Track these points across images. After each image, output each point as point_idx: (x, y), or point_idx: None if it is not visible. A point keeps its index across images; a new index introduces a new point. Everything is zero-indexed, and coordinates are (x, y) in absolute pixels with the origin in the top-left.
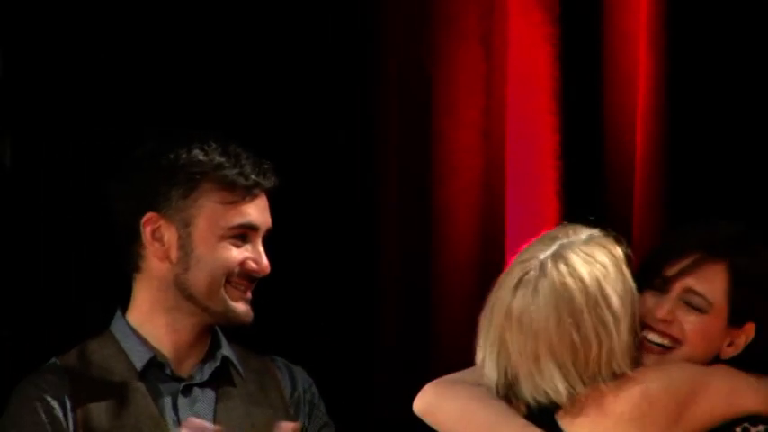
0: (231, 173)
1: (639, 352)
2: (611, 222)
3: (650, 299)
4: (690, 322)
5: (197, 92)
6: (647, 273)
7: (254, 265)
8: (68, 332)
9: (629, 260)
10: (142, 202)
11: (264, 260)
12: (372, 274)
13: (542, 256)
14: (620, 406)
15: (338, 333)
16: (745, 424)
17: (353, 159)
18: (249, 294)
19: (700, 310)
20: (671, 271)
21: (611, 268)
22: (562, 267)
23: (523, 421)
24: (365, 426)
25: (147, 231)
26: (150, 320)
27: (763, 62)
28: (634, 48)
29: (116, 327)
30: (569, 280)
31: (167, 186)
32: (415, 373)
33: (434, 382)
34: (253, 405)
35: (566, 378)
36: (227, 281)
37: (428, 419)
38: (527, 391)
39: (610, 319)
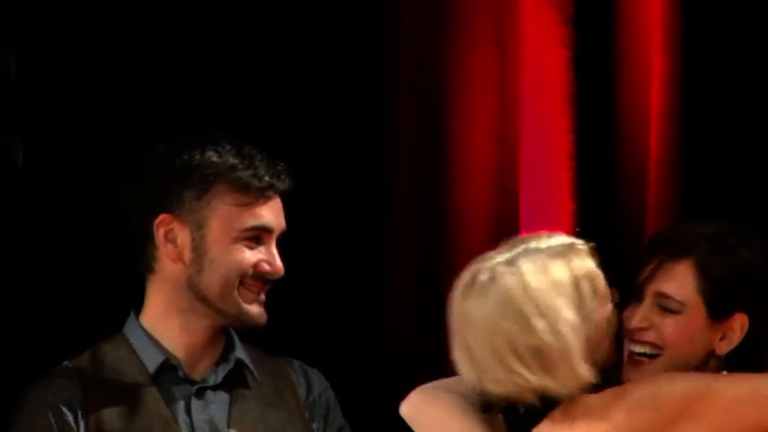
0: (245, 174)
1: (628, 366)
2: (625, 223)
3: (629, 310)
4: (667, 326)
5: (211, 94)
6: (629, 285)
7: (267, 267)
8: (81, 334)
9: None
10: (155, 204)
11: (278, 262)
12: (386, 276)
13: (497, 260)
14: (601, 421)
15: (352, 336)
16: None
17: (367, 162)
18: (263, 296)
19: (674, 311)
20: (641, 278)
21: (565, 281)
22: (510, 275)
23: None
24: (381, 428)
25: (160, 233)
26: (163, 322)
27: None
28: (647, 48)
29: (129, 329)
30: (516, 288)
31: (180, 188)
32: (431, 377)
33: (421, 387)
34: (267, 407)
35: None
36: (241, 283)
37: (411, 424)
38: (494, 396)
39: (560, 329)
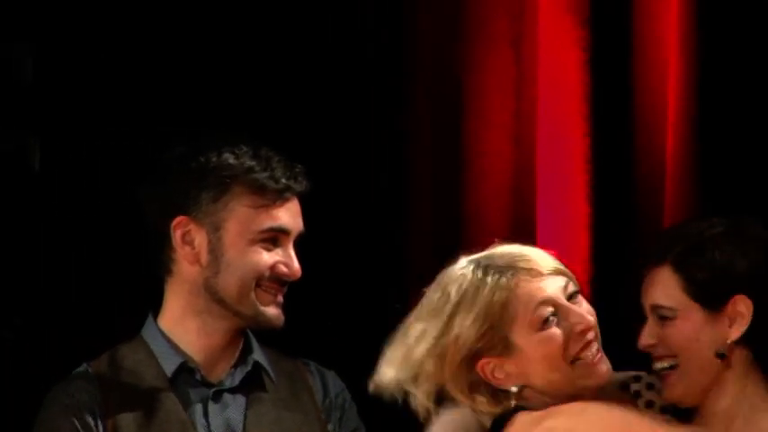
0: (262, 176)
1: (660, 384)
2: (642, 226)
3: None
4: (669, 335)
5: (228, 96)
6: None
7: (284, 269)
8: (98, 336)
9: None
10: (172, 206)
11: (295, 264)
12: (404, 277)
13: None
14: None
15: (370, 337)
16: None
17: (384, 163)
18: (280, 298)
19: (669, 318)
20: (641, 296)
21: (470, 292)
22: (440, 277)
23: None
24: (396, 430)
25: (177, 235)
26: (181, 325)
27: None
28: (664, 51)
29: (147, 331)
30: (434, 289)
31: (197, 190)
32: None
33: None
34: (284, 410)
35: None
36: (258, 285)
37: None
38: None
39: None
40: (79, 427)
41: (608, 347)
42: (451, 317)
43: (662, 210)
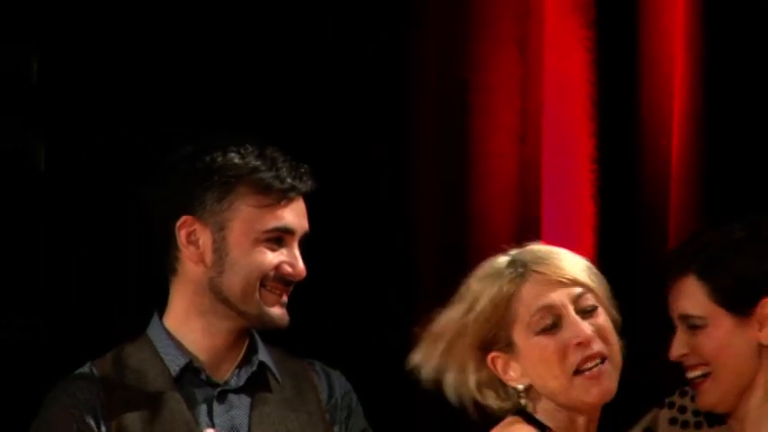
0: (267, 176)
1: (694, 392)
2: (647, 225)
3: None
4: (700, 344)
5: (235, 96)
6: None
7: (289, 269)
8: (103, 335)
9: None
10: (177, 206)
11: (300, 264)
12: (409, 278)
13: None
14: None
15: (376, 337)
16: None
17: (390, 163)
18: (285, 298)
19: (699, 327)
20: (669, 307)
21: (489, 281)
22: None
23: None
24: (403, 430)
25: (181, 235)
26: (186, 324)
27: None
28: (670, 51)
29: (152, 331)
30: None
31: (202, 189)
32: None
33: None
34: (289, 411)
35: None
36: (263, 285)
37: None
38: None
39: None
40: (76, 427)
41: None
42: (473, 301)
43: (667, 210)
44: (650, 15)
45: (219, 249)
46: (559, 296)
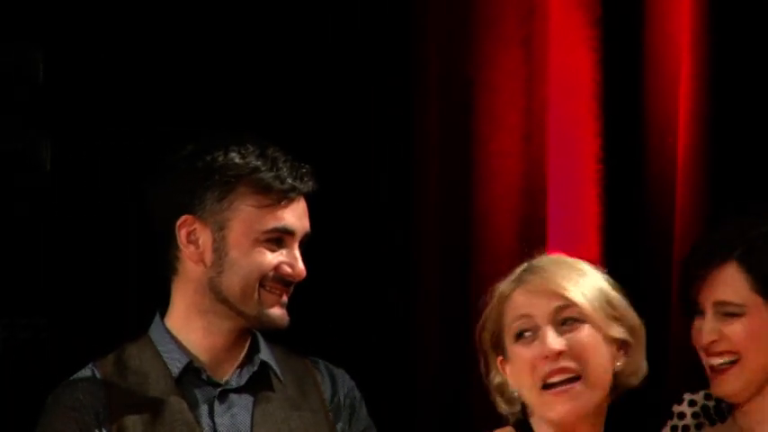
0: (267, 176)
1: (713, 380)
2: (652, 225)
3: (697, 325)
4: (735, 331)
5: (241, 96)
6: (685, 302)
7: (288, 270)
8: (107, 335)
9: None
10: (178, 205)
11: (300, 265)
12: (412, 278)
13: None
14: None
15: (379, 336)
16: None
17: (394, 163)
18: (285, 299)
19: (737, 315)
20: (696, 293)
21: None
22: None
23: None
24: (408, 427)
25: (181, 234)
26: (187, 324)
27: None
28: (676, 50)
29: (154, 331)
30: None
31: (203, 189)
32: (457, 375)
33: None
34: (292, 410)
35: None
36: (262, 285)
37: None
38: None
39: None
40: (78, 428)
41: None
42: (492, 297)
43: (673, 209)
44: (656, 14)
45: (219, 249)
46: (540, 306)
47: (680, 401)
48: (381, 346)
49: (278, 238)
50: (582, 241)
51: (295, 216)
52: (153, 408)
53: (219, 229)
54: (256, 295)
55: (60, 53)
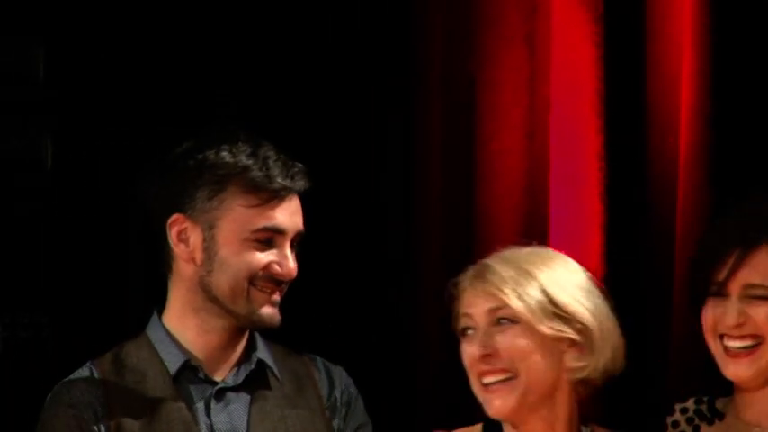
0: (257, 175)
1: (728, 362)
2: (654, 223)
3: (714, 308)
4: (761, 314)
5: (238, 95)
6: (700, 282)
7: (278, 269)
8: (107, 333)
9: None
10: (169, 203)
11: (290, 263)
12: (415, 276)
13: None
14: None
15: (379, 335)
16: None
17: (396, 161)
18: (276, 297)
19: (765, 298)
20: (722, 274)
21: None
22: None
23: None
24: (405, 424)
25: (172, 233)
26: (182, 323)
27: None
28: (678, 47)
29: (151, 329)
30: None
31: (193, 188)
32: (457, 373)
33: None
34: (289, 408)
35: None
36: (253, 284)
37: None
38: None
39: None
40: (76, 427)
41: None
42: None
43: (675, 207)
44: (658, 11)
45: (209, 248)
46: (477, 306)
47: (671, 412)
48: (381, 346)
49: (268, 238)
50: (583, 239)
51: (286, 215)
52: (150, 406)
53: (209, 228)
54: (246, 294)
55: (62, 51)
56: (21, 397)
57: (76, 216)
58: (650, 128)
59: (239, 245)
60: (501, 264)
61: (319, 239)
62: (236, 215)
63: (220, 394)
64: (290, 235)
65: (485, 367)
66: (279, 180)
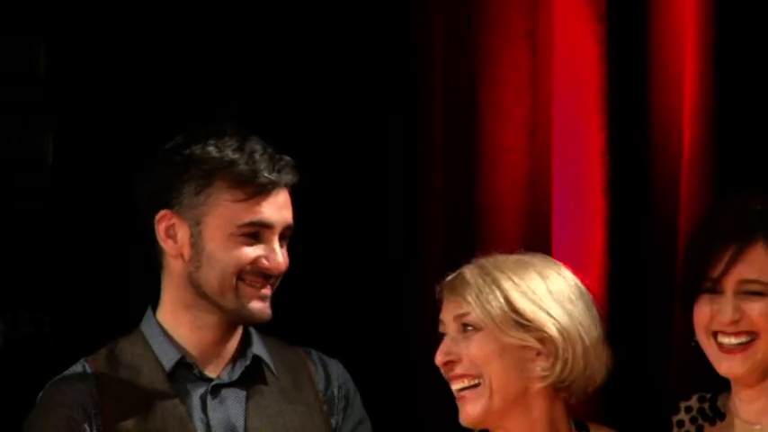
0: (243, 170)
1: (722, 359)
2: (657, 220)
3: (707, 304)
4: (756, 310)
5: (242, 94)
6: (693, 279)
7: (265, 263)
8: (109, 330)
9: None
10: (157, 199)
11: (278, 258)
12: (416, 274)
13: None
14: None
15: (380, 333)
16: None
17: (398, 158)
18: (265, 292)
19: (760, 294)
20: (716, 270)
21: None
22: None
23: None
24: (403, 418)
25: (160, 229)
26: (175, 319)
27: None
28: (681, 44)
29: (146, 325)
30: None
31: (180, 183)
32: None
33: None
34: (285, 403)
35: None
36: (241, 279)
37: None
38: None
39: None
40: (68, 425)
41: (624, 342)
42: None
43: (678, 204)
44: (661, 8)
45: (196, 244)
46: (447, 312)
47: (677, 410)
48: (382, 346)
49: (255, 232)
50: (587, 235)
51: (273, 209)
52: (145, 402)
53: (196, 224)
54: (235, 289)
55: (63, 47)
56: (22, 393)
57: (76, 215)
58: (653, 125)
59: (226, 240)
60: (472, 271)
61: (319, 239)
62: (222, 210)
63: (216, 390)
64: (278, 229)
65: (449, 374)
66: (265, 174)
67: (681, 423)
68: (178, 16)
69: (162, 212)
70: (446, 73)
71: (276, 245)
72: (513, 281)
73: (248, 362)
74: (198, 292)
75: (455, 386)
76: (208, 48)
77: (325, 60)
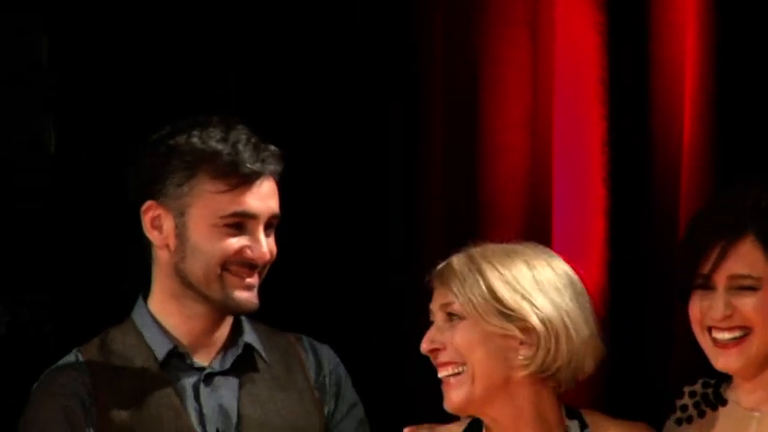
0: (225, 161)
1: (717, 354)
2: (658, 212)
3: (700, 300)
4: (748, 305)
5: (242, 94)
6: (686, 275)
7: (249, 253)
8: (110, 316)
9: None
10: (143, 190)
11: (263, 248)
12: (416, 271)
13: None
14: None
15: (380, 334)
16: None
17: (399, 156)
18: (251, 281)
19: (753, 288)
20: (707, 267)
21: None
22: None
23: None
24: (394, 401)
25: (146, 220)
26: (165, 309)
27: None
28: (682, 35)
29: (137, 315)
30: None
31: (164, 174)
32: None
33: None
34: (278, 390)
35: None
36: (226, 269)
37: None
38: None
39: None
40: (64, 415)
41: (624, 333)
42: None
43: (678, 194)
44: None
45: (181, 235)
46: (434, 301)
47: (681, 395)
48: (382, 345)
49: (239, 223)
50: (587, 226)
51: (257, 199)
52: (138, 392)
53: (181, 215)
54: (220, 279)
55: (66, 36)
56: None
57: (76, 214)
58: (654, 115)
59: (210, 231)
60: (459, 259)
61: (319, 239)
62: (206, 201)
63: (209, 379)
64: (263, 219)
65: (434, 361)
66: (248, 164)
67: (684, 407)
68: (180, 14)
69: (147, 203)
70: (446, 73)
71: (261, 235)
72: (498, 270)
73: (240, 350)
74: (184, 282)
75: (441, 373)
76: (210, 47)
77: (326, 60)
